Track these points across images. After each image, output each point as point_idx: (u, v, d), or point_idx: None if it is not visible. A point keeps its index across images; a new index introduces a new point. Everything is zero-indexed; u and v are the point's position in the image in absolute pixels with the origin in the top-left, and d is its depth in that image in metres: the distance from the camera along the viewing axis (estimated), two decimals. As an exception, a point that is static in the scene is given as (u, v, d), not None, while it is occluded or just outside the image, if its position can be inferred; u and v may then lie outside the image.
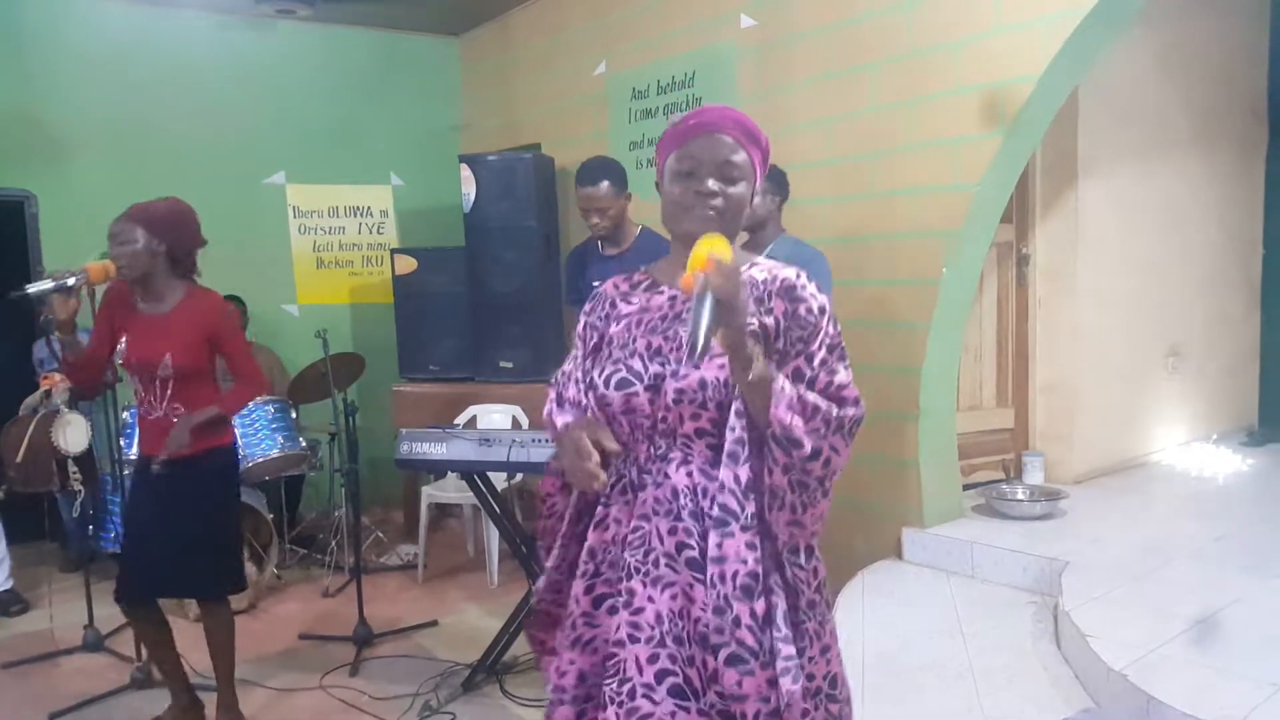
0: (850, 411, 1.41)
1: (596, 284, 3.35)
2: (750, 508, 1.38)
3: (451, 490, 4.43)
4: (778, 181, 3.14)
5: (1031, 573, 3.36)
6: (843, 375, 1.43)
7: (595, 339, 1.57)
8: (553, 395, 1.64)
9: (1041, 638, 2.97)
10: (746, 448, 1.39)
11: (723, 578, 1.36)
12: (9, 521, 4.15)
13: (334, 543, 4.49)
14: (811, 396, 1.38)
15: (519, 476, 4.11)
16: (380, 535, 4.91)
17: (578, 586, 1.52)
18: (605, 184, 3.17)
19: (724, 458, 1.39)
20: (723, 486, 1.39)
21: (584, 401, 1.53)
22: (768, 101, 4.09)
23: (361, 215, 5.94)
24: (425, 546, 4.48)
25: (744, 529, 1.37)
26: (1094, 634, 2.68)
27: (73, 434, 3.32)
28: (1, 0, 4.86)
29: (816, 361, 1.42)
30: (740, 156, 1.47)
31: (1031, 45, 3.19)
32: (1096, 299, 4.45)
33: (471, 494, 3.32)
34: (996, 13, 3.29)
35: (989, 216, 3.61)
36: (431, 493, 4.45)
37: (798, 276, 1.47)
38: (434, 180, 5.91)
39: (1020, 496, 4.01)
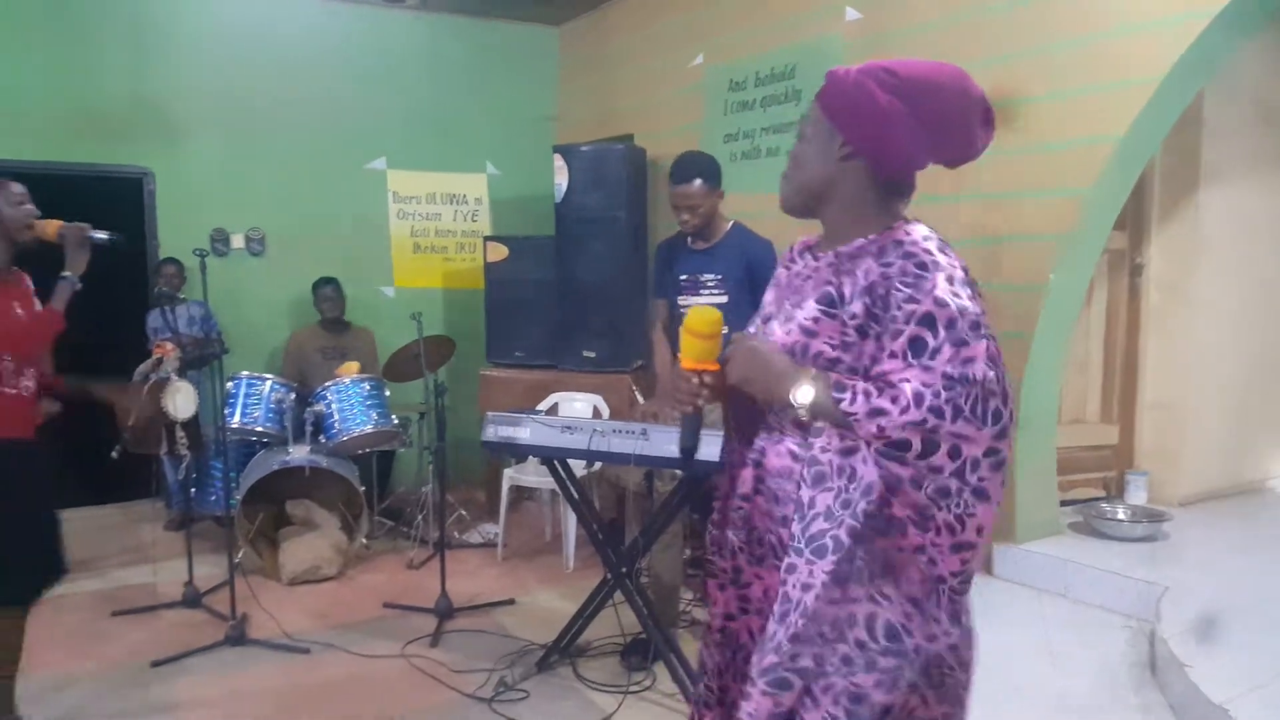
0: (959, 386, 1.23)
1: (684, 278, 3.35)
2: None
3: (531, 474, 4.49)
4: None
5: (1129, 596, 3.22)
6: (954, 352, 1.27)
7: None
8: None
9: (1136, 665, 2.85)
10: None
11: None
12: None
13: (420, 517, 4.61)
14: (906, 386, 1.24)
15: (598, 465, 4.13)
16: (463, 513, 5.02)
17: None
18: (698, 182, 3.14)
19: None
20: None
21: None
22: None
23: (457, 203, 6.06)
24: (505, 527, 4.56)
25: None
26: (1193, 664, 2.55)
27: (181, 401, 3.48)
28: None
29: (931, 347, 1.26)
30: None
31: (1156, 46, 3.04)
32: (1214, 312, 4.21)
33: (550, 479, 3.35)
34: (1120, 11, 3.13)
35: (1101, 222, 3.46)
36: (513, 475, 4.51)
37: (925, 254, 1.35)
38: (528, 169, 5.99)
39: (1121, 516, 3.84)
